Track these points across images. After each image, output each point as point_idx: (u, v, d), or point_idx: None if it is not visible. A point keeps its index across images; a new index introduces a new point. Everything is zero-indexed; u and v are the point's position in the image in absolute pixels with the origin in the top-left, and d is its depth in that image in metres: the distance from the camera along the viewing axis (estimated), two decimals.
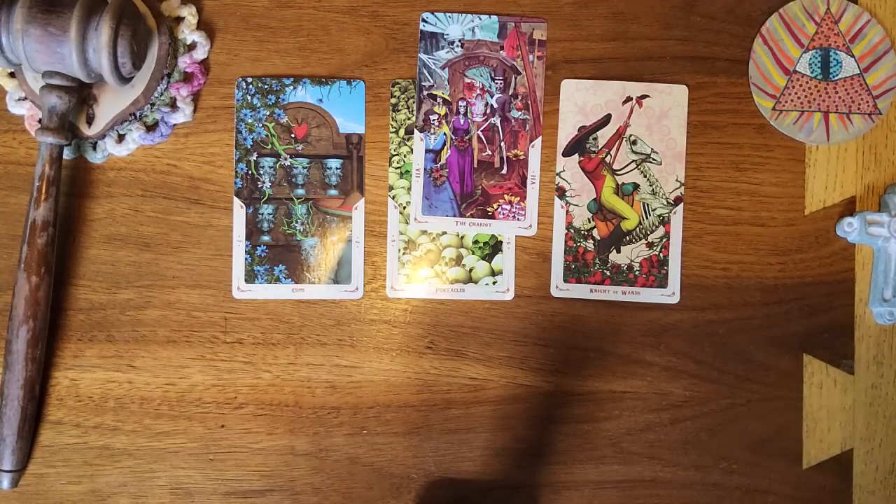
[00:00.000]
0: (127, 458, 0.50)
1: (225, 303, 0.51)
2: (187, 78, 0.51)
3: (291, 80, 0.51)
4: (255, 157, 0.51)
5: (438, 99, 0.51)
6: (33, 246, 0.47)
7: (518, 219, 0.51)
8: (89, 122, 0.50)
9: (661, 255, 0.51)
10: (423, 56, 0.51)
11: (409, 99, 0.51)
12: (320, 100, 0.51)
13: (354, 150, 0.51)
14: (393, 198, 0.51)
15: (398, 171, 0.51)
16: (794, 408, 0.51)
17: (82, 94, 0.49)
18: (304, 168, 0.51)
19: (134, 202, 0.51)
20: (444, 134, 0.51)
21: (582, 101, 0.52)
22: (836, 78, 0.52)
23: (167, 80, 0.50)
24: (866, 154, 0.52)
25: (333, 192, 0.51)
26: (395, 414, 0.51)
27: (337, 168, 0.51)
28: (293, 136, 0.51)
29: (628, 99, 0.52)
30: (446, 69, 0.51)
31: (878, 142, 0.52)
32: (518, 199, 0.51)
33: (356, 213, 0.51)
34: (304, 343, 0.51)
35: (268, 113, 0.51)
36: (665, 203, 0.51)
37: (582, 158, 0.52)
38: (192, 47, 0.51)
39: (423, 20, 0.51)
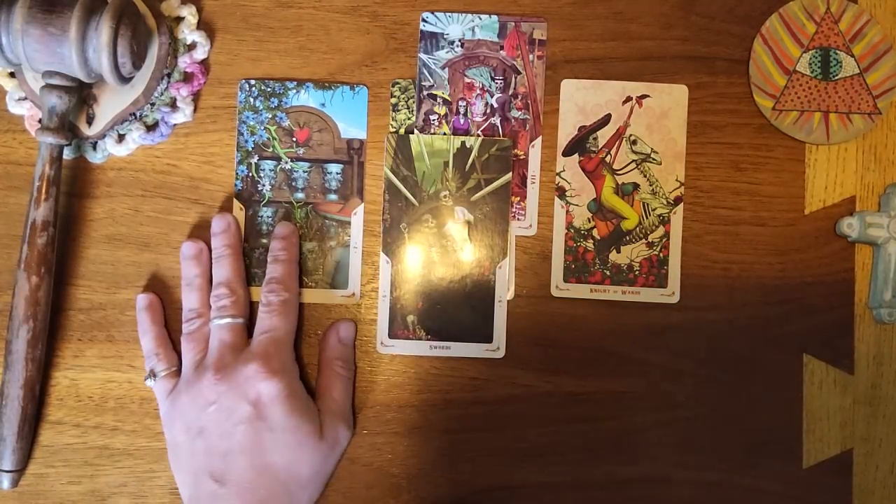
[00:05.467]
0: (127, 458, 0.50)
1: None
2: (187, 78, 0.51)
3: (294, 83, 0.51)
4: (255, 159, 0.51)
5: (438, 99, 0.51)
6: (33, 246, 0.47)
7: (518, 219, 0.51)
8: (89, 122, 0.50)
9: (661, 254, 0.51)
10: (423, 56, 0.51)
11: (409, 99, 0.51)
12: (323, 104, 0.51)
13: (355, 155, 0.51)
14: None
15: None
16: (794, 408, 0.51)
17: (82, 94, 0.49)
18: (304, 172, 0.51)
19: (134, 202, 0.51)
20: (444, 134, 0.51)
21: (582, 101, 0.52)
22: (836, 78, 0.52)
23: (167, 80, 0.50)
24: (866, 154, 0.52)
25: (333, 196, 0.51)
26: (395, 414, 0.51)
27: (337, 173, 0.51)
28: (294, 139, 0.51)
29: (628, 99, 0.52)
30: (446, 69, 0.51)
31: (878, 142, 0.52)
32: (518, 198, 0.51)
33: (355, 218, 0.51)
34: (303, 342, 0.51)
35: (270, 116, 0.51)
36: (665, 203, 0.51)
37: (582, 158, 0.52)
38: (192, 47, 0.51)
39: (423, 20, 0.51)
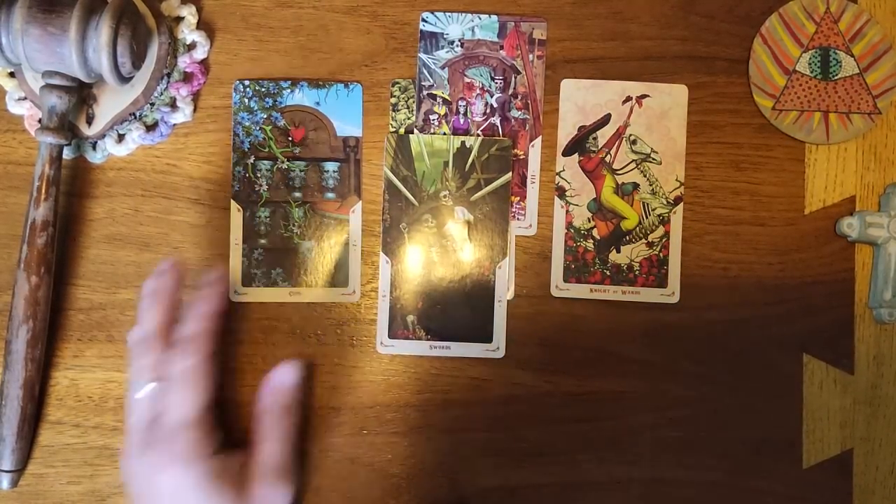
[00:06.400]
0: None
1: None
2: (187, 78, 0.51)
3: (288, 83, 0.51)
4: (252, 160, 0.51)
5: (438, 99, 0.51)
6: (33, 246, 0.47)
7: (518, 219, 0.51)
8: (89, 121, 0.50)
9: (661, 254, 0.51)
10: (422, 56, 0.51)
11: (409, 99, 0.51)
12: (317, 103, 0.51)
13: (352, 153, 0.51)
14: None
15: None
16: (794, 408, 0.51)
17: (82, 93, 0.49)
18: (301, 171, 0.51)
19: (134, 202, 0.51)
20: (444, 133, 0.51)
21: (582, 100, 0.52)
22: (835, 77, 0.52)
23: (167, 80, 0.50)
24: (866, 154, 0.52)
25: (330, 195, 0.51)
26: (395, 414, 0.51)
27: (334, 171, 0.51)
28: (290, 139, 0.51)
29: (628, 99, 0.52)
30: (446, 69, 0.51)
31: (878, 142, 0.52)
32: (518, 198, 0.51)
33: (353, 216, 0.51)
34: (302, 343, 0.51)
35: (265, 116, 0.51)
36: (665, 203, 0.51)
37: (582, 158, 0.52)
38: (191, 47, 0.51)
39: (423, 20, 0.51)
